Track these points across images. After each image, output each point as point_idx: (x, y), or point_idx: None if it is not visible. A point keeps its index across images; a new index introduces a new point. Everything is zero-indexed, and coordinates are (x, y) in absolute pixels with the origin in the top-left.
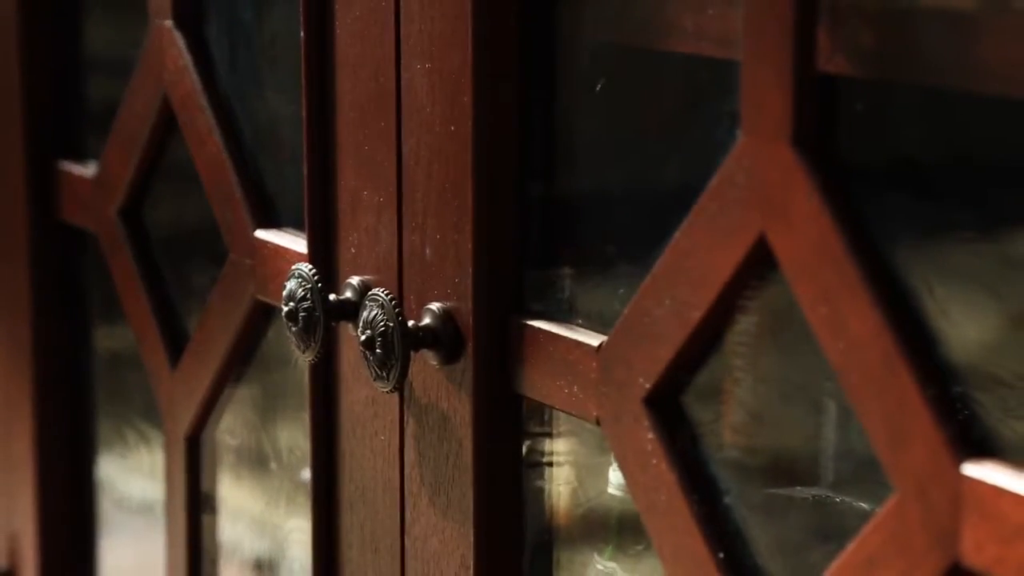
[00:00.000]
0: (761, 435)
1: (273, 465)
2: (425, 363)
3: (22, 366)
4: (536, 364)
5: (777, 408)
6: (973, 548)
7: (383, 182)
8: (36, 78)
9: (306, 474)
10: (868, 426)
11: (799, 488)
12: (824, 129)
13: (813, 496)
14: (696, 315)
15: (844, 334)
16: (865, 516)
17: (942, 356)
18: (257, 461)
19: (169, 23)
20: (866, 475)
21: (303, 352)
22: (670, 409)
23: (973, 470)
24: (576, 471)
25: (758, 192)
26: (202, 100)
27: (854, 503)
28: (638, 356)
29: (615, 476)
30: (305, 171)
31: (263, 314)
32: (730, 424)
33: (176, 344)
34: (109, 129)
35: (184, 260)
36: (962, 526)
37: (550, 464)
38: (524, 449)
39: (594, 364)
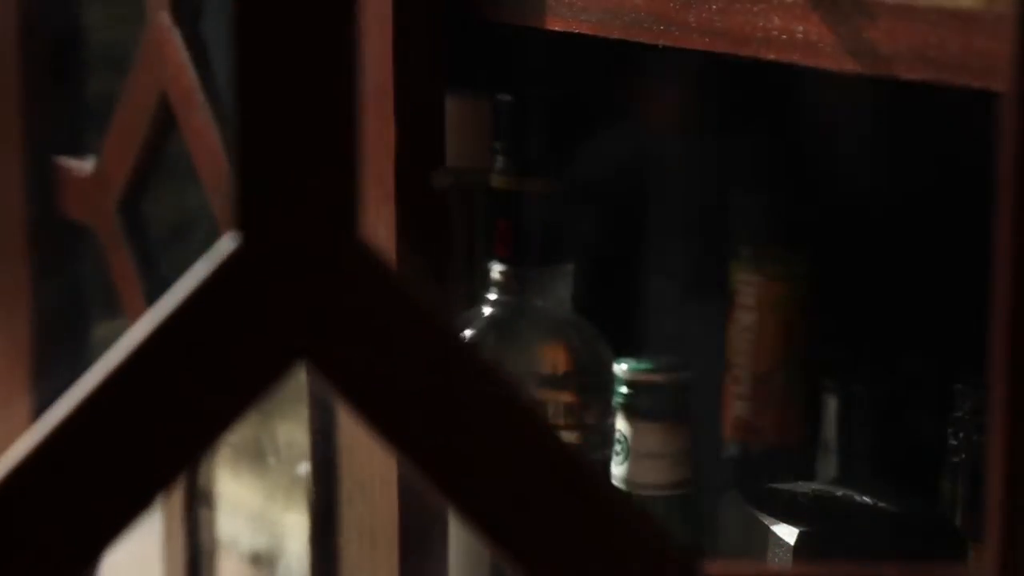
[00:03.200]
0: None
1: (271, 460)
2: None
3: (21, 362)
4: None
5: None
6: None
7: (380, 177)
8: (34, 73)
9: (304, 469)
10: None
11: None
12: None
13: None
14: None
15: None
16: None
17: None
18: (256, 456)
19: (167, 19)
20: None
21: None
22: None
23: None
24: None
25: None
26: (200, 96)
27: None
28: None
29: (617, 471)
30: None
31: None
32: None
33: None
34: (107, 125)
35: (183, 255)
36: None
37: None
38: None
39: None
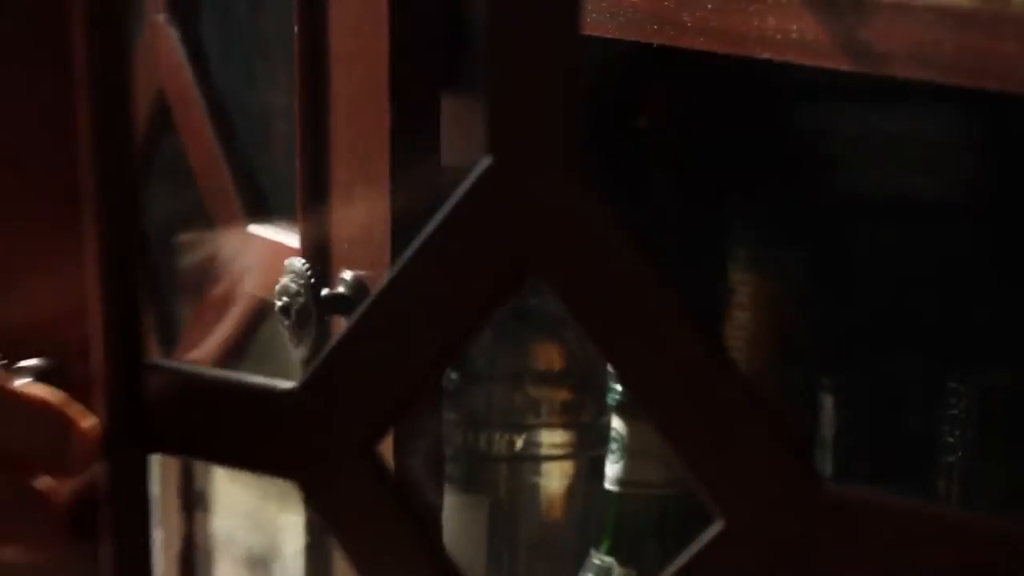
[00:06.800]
0: None
1: None
2: None
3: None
4: None
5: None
6: None
7: (376, 177)
8: None
9: None
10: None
11: None
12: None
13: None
14: (431, 350)
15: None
16: None
17: None
18: None
19: (163, 18)
20: None
21: (296, 347)
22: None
23: None
24: (575, 465)
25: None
26: (196, 94)
27: None
28: (353, 398)
29: (612, 470)
30: (298, 165)
31: (257, 309)
32: None
33: (170, 339)
34: None
35: (179, 254)
36: None
37: (549, 458)
38: (520, 442)
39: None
